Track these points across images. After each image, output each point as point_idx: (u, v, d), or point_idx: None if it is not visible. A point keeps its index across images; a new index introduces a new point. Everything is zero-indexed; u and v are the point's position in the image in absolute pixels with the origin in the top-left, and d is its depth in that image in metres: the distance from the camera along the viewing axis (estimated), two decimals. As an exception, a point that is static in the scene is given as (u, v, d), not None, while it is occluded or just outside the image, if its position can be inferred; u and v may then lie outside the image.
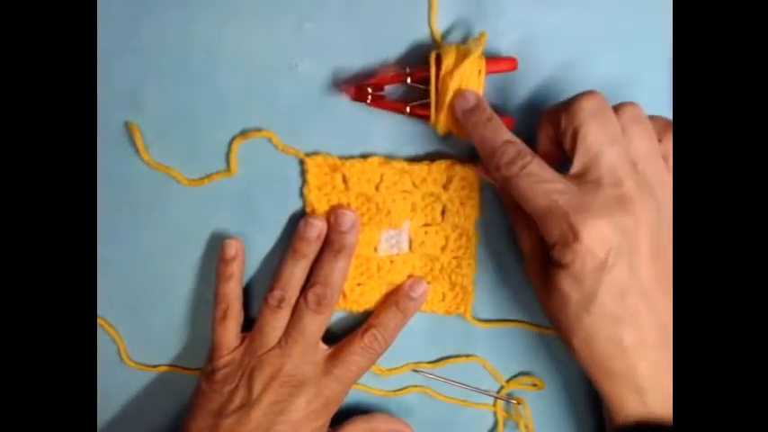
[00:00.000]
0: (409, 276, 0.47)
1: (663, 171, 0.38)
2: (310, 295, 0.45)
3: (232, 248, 0.46)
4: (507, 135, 0.39)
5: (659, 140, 0.39)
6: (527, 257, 0.42)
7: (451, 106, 0.41)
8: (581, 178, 0.37)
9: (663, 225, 0.37)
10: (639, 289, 0.36)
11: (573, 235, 0.36)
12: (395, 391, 0.49)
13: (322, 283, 0.45)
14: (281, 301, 0.45)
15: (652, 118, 0.40)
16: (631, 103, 0.39)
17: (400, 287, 0.47)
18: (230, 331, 0.46)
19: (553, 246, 0.37)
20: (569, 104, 0.38)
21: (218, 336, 0.46)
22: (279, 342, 0.45)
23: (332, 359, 0.45)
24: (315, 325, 0.45)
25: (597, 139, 0.37)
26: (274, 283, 0.45)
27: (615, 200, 0.36)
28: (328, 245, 0.45)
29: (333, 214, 0.45)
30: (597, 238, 0.35)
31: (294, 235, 0.45)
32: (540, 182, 0.37)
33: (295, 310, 0.45)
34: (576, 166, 0.37)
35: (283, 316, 0.45)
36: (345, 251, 0.45)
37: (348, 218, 0.45)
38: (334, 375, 0.45)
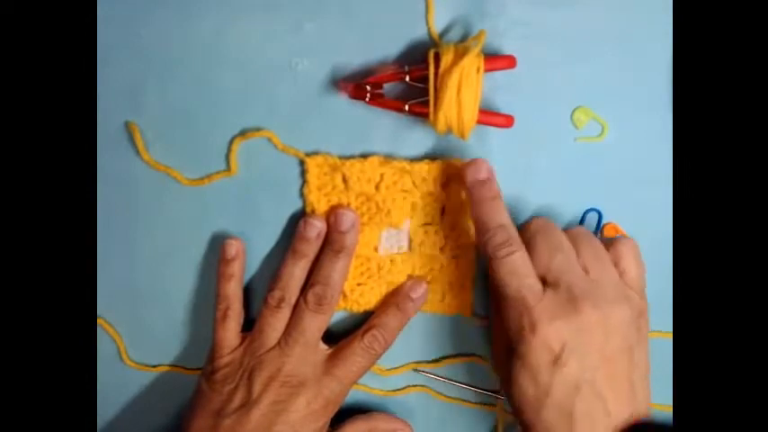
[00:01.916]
0: (409, 276, 0.47)
1: (614, 275, 0.41)
2: (310, 295, 0.45)
3: (233, 248, 0.46)
4: (504, 219, 0.42)
5: (608, 250, 0.42)
6: (494, 342, 0.43)
7: (462, 169, 0.43)
8: (544, 282, 0.40)
9: (614, 330, 0.39)
10: (593, 389, 0.38)
11: (531, 328, 0.39)
12: (395, 390, 0.49)
13: (322, 282, 0.45)
14: (281, 301, 0.45)
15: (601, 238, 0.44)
16: (578, 226, 0.44)
17: (400, 288, 0.47)
18: (230, 331, 0.46)
19: (513, 335, 0.40)
20: (522, 227, 0.43)
21: (219, 336, 0.46)
22: (279, 342, 0.45)
23: (332, 359, 0.45)
24: (315, 325, 0.45)
25: (545, 248, 0.41)
26: (274, 283, 0.45)
27: (569, 301, 0.39)
28: (328, 245, 0.45)
29: (333, 214, 0.45)
30: (552, 335, 0.39)
31: (294, 235, 0.45)
32: (516, 273, 0.40)
33: (295, 310, 0.45)
34: (537, 272, 0.41)
35: (283, 316, 0.45)
36: (345, 251, 0.45)
37: (348, 218, 0.45)
38: (334, 375, 0.45)
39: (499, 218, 0.42)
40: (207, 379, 0.45)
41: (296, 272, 0.45)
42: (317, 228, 0.45)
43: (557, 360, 0.38)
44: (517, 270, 0.40)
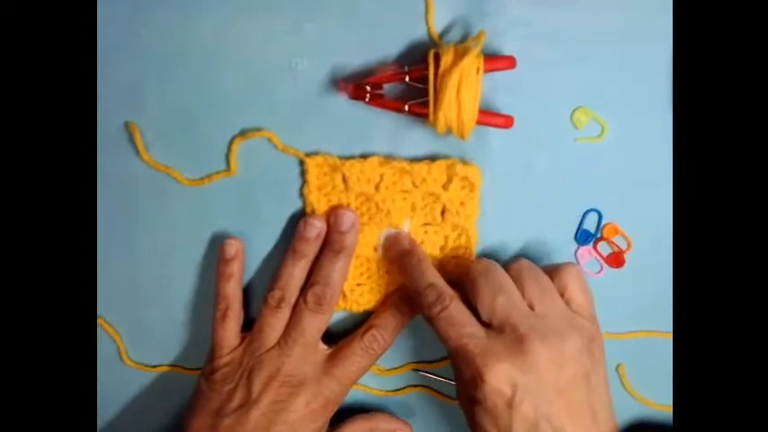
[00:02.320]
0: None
1: (561, 306, 0.41)
2: (310, 295, 0.45)
3: (232, 248, 0.46)
4: (431, 278, 0.43)
5: (552, 280, 0.42)
6: (458, 392, 0.43)
7: (386, 246, 0.46)
8: (488, 325, 0.41)
9: (567, 361, 0.39)
10: (551, 424, 0.39)
11: (479, 376, 0.39)
12: (395, 391, 0.49)
13: (322, 283, 0.45)
14: (281, 300, 0.45)
15: (542, 266, 0.43)
16: (520, 259, 0.44)
17: (400, 288, 0.47)
18: (230, 331, 0.46)
19: (468, 384, 0.40)
20: (464, 274, 0.43)
21: (218, 335, 0.46)
22: (278, 342, 0.45)
23: (332, 359, 0.45)
24: (314, 325, 0.45)
25: (488, 292, 0.41)
26: (274, 283, 0.45)
27: (515, 342, 0.39)
28: (328, 245, 0.45)
29: (333, 215, 0.45)
30: (501, 378, 0.39)
31: (294, 235, 0.45)
32: (454, 325, 0.41)
33: (295, 310, 0.45)
34: (482, 317, 0.41)
35: (283, 316, 0.45)
36: (345, 251, 0.45)
37: (348, 218, 0.45)
38: (333, 376, 0.45)
39: (426, 278, 0.43)
40: (206, 378, 0.45)
41: (296, 272, 0.45)
42: (316, 228, 0.45)
43: (511, 402, 0.39)
44: (454, 322, 0.41)
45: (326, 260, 0.45)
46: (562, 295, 0.42)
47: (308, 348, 0.45)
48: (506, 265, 0.43)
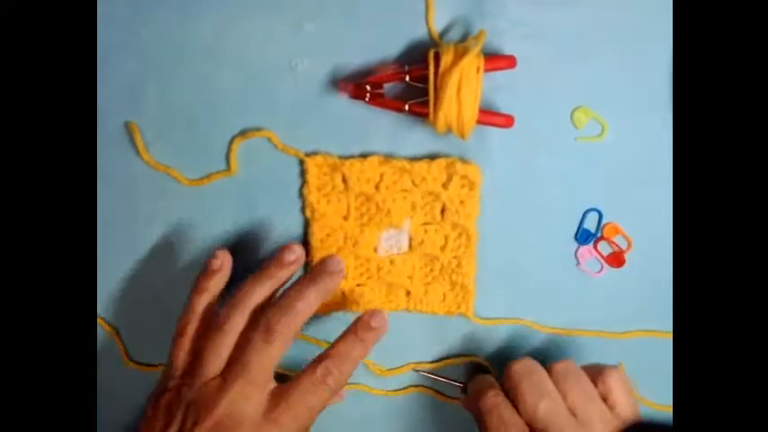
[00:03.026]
0: (409, 277, 0.47)
1: (604, 412, 0.41)
2: (262, 321, 0.39)
3: (218, 261, 0.43)
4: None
5: (595, 385, 0.42)
6: None
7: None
8: (532, 430, 0.40)
9: None
10: None
11: None
12: (395, 391, 0.49)
13: (280, 306, 0.40)
14: (228, 321, 0.40)
15: (585, 367, 0.43)
16: (563, 360, 0.43)
17: (359, 318, 0.42)
18: (185, 351, 0.42)
19: None
20: (506, 371, 0.43)
21: (174, 354, 0.41)
22: (222, 373, 0.40)
23: (276, 400, 0.39)
24: (261, 359, 0.39)
25: (531, 397, 0.40)
26: (229, 299, 0.42)
27: None
28: (309, 274, 0.42)
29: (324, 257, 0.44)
30: None
31: (269, 258, 0.43)
32: (504, 424, 0.40)
33: (241, 336, 0.40)
34: (522, 418, 0.40)
35: (230, 341, 0.40)
36: (323, 285, 0.41)
37: (339, 263, 0.43)
38: (276, 422, 0.38)
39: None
40: (151, 403, 0.41)
41: (256, 291, 0.41)
42: (295, 253, 0.43)
43: None
44: (504, 421, 0.40)
45: (297, 284, 0.41)
46: (606, 399, 0.41)
47: (252, 386, 0.39)
48: (549, 366, 0.43)
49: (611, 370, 0.43)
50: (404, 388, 0.49)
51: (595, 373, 0.42)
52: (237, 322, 0.40)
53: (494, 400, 0.41)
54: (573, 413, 0.40)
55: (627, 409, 0.42)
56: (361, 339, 0.41)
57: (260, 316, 0.40)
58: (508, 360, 0.48)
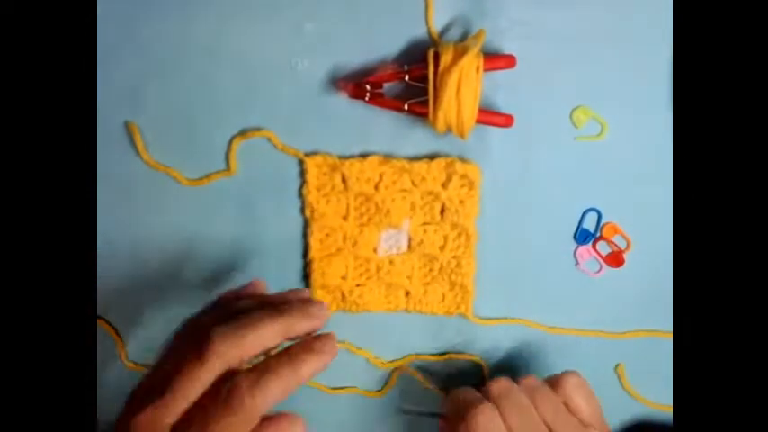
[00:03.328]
0: (408, 277, 0.47)
1: (574, 422, 0.42)
2: (233, 382, 0.32)
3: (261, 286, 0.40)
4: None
5: (554, 390, 0.42)
6: None
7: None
8: None
9: None
10: None
11: None
12: (378, 391, 0.49)
13: (259, 370, 0.33)
14: (206, 357, 0.33)
15: (545, 379, 0.43)
16: (528, 376, 0.43)
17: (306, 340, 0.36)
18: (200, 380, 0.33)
19: None
20: (482, 391, 0.43)
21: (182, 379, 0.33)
22: None
23: None
24: (218, 427, 0.32)
25: (509, 412, 0.41)
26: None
27: None
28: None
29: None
30: None
31: (291, 297, 0.39)
32: None
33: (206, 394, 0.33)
34: None
35: (202, 384, 0.33)
36: (321, 357, 0.35)
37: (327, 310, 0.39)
38: None
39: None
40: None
41: (266, 335, 0.34)
42: (326, 314, 0.37)
43: None
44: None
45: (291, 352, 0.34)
46: (568, 405, 0.42)
47: None
48: (517, 381, 0.43)
49: (567, 376, 0.43)
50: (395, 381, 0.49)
51: (553, 381, 0.43)
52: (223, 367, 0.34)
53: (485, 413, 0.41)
54: (547, 426, 0.41)
55: (591, 413, 0.42)
56: (293, 359, 0.34)
57: (240, 372, 0.33)
58: (507, 360, 0.49)
